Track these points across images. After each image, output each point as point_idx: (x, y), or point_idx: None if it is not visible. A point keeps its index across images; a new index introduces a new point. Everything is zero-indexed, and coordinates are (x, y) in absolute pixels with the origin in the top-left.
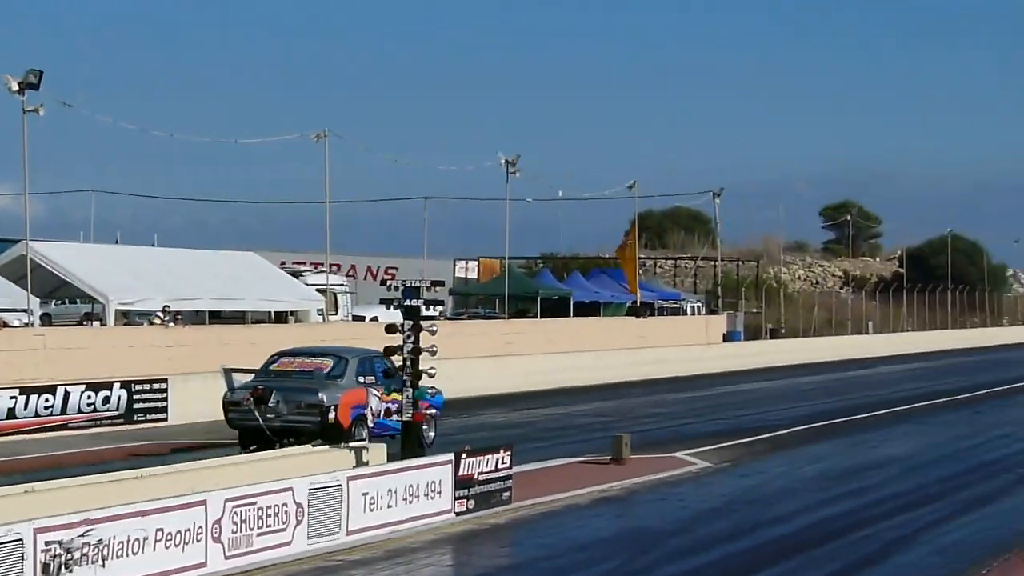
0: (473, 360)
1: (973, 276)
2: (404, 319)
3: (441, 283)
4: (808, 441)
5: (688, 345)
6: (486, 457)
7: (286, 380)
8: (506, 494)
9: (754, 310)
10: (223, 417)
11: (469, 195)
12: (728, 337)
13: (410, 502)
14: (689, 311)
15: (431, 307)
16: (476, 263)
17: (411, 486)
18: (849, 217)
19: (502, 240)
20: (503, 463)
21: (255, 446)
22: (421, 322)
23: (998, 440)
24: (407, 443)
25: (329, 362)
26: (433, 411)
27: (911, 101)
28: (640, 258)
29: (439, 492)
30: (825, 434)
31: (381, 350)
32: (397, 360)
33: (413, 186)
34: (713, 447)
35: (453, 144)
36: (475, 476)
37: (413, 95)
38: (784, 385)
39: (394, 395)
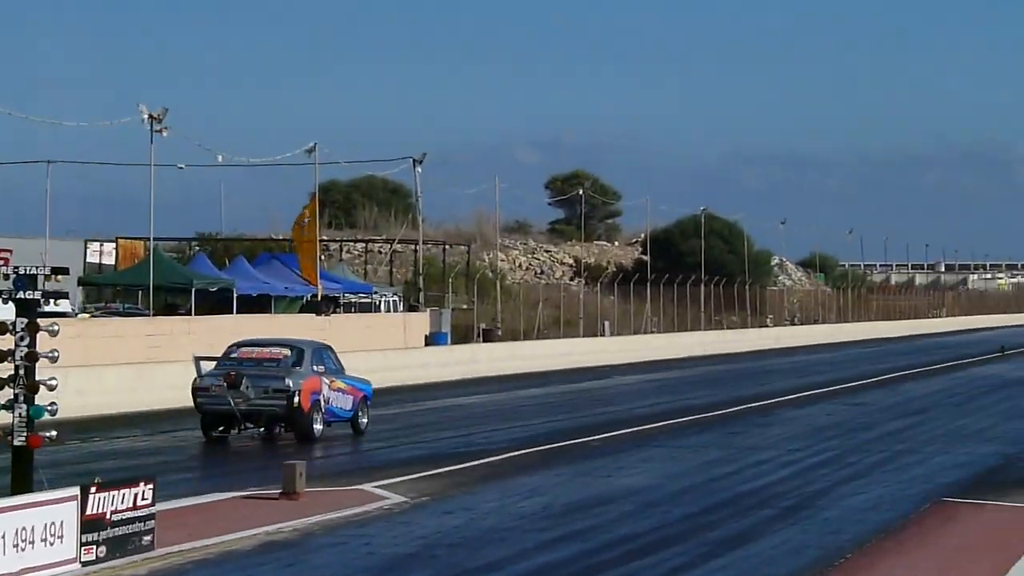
0: (107, 369)
1: (732, 265)
2: (17, 316)
3: (66, 270)
4: (526, 469)
5: (382, 350)
6: (122, 491)
7: (252, 368)
8: (147, 538)
9: (464, 306)
10: (192, 402)
11: (104, 159)
12: (432, 340)
13: (21, 550)
14: (383, 307)
15: (52, 301)
16: (113, 245)
17: (22, 529)
18: (581, 192)
19: (146, 216)
20: (144, 499)
21: (222, 427)
22: (39, 320)
23: (756, 467)
24: (17, 474)
25: (288, 352)
26: (364, 395)
27: (656, 57)
28: (322, 241)
29: (60, 537)
30: (547, 461)
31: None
32: (8, 368)
33: (32, 148)
34: (409, 477)
35: (85, 96)
36: (107, 516)
37: (35, 31)
38: (499, 400)
39: (339, 384)
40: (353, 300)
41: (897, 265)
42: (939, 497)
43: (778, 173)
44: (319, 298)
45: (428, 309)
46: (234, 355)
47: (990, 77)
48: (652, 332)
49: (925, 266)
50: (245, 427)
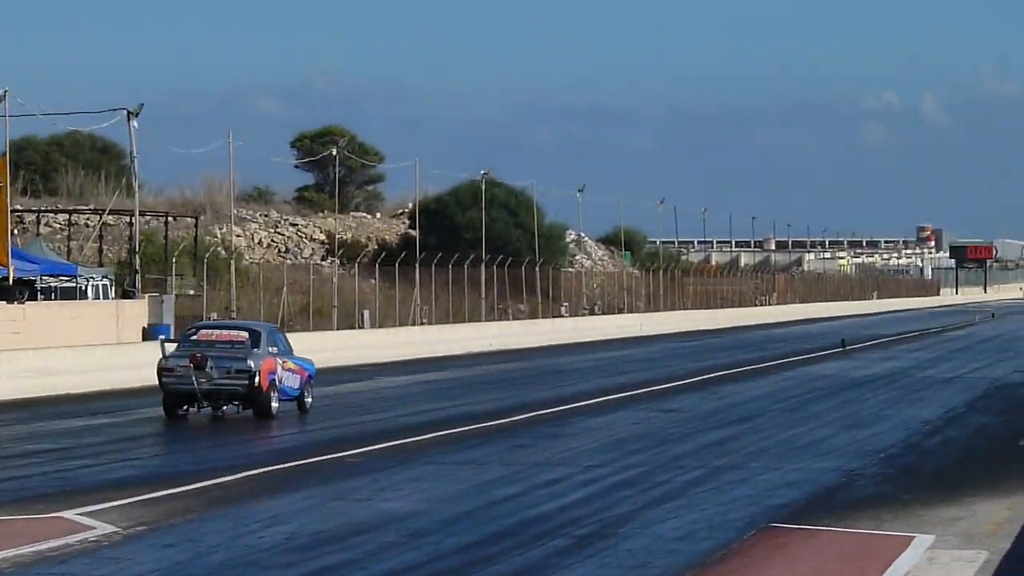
0: None
1: (519, 242)
2: None
3: None
4: (267, 492)
5: (89, 346)
6: None
7: (213, 349)
8: None
9: (191, 292)
10: (157, 381)
11: None
12: (151, 334)
13: None
14: (91, 293)
15: None
16: None
17: None
18: (335, 152)
19: None
20: None
21: (187, 407)
22: None
23: (547, 487)
24: None
25: (245, 334)
26: (309, 375)
27: None
28: (14, 211)
29: None
30: (290, 482)
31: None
32: None
33: None
34: (122, 502)
35: None
36: None
37: None
38: None
39: (290, 364)
40: (53, 284)
41: (718, 242)
42: (766, 522)
43: (575, 130)
44: (10, 282)
45: (147, 295)
46: (193, 337)
47: (827, 18)
48: (423, 323)
49: (752, 244)
50: (203, 406)
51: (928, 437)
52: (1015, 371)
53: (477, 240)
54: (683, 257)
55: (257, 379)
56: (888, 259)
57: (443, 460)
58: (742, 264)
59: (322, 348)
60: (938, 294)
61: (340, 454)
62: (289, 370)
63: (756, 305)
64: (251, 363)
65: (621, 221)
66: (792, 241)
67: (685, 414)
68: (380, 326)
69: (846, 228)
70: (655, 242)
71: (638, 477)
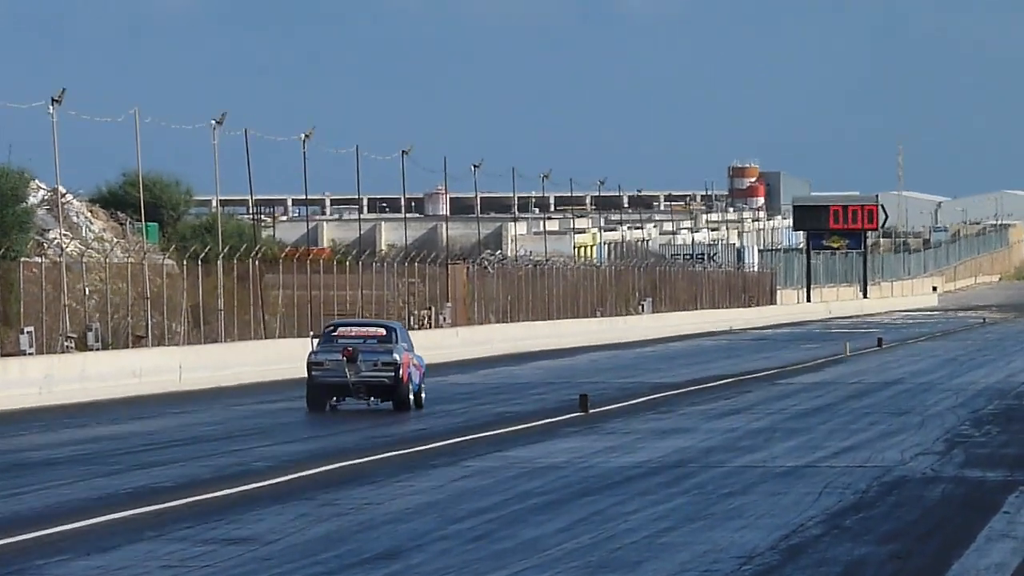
0: None
1: None
2: None
3: None
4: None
5: None
6: None
7: (361, 344)
8: None
9: None
10: (306, 375)
11: None
12: None
13: None
14: None
15: None
16: None
17: None
18: None
19: None
20: None
21: (335, 398)
22: None
23: None
24: None
25: (383, 331)
26: (423, 371)
27: None
28: None
29: None
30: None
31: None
32: None
33: None
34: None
35: None
36: None
37: None
38: None
39: (414, 360)
40: None
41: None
42: None
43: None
44: None
45: None
46: (334, 334)
47: None
48: None
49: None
50: (357, 397)
51: None
52: (919, 454)
53: None
54: (266, 233)
55: (400, 371)
56: (676, 231)
57: None
58: (384, 244)
59: None
60: (773, 301)
61: None
62: (414, 365)
63: (418, 327)
64: (396, 356)
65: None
66: (492, 200)
67: (263, 547)
68: None
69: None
70: (211, 202)
71: None
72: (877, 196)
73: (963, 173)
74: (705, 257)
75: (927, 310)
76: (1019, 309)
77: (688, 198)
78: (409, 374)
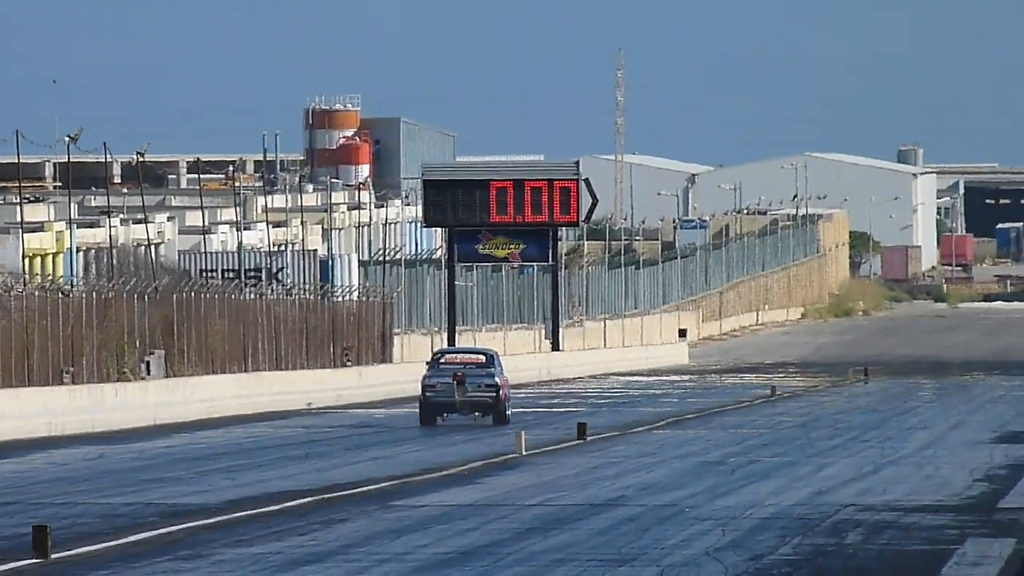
0: None
1: None
2: None
3: None
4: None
5: None
6: None
7: (465, 369)
8: None
9: None
10: (420, 395)
11: None
12: None
13: None
14: None
15: None
16: None
17: None
18: None
19: None
20: None
21: (444, 414)
22: None
23: None
24: None
25: (483, 357)
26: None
27: None
28: None
29: None
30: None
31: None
32: None
33: None
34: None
35: None
36: None
37: None
38: None
39: (506, 381)
40: None
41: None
42: None
43: None
44: None
45: None
46: (442, 361)
47: None
48: None
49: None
50: (463, 414)
51: None
52: None
53: None
54: None
55: (500, 392)
56: (210, 228)
57: None
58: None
59: None
60: (387, 358)
61: None
62: (507, 386)
63: None
64: (497, 379)
65: None
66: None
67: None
68: None
69: None
70: None
71: None
72: (578, 163)
73: (730, 130)
74: (264, 275)
75: (670, 372)
76: (836, 370)
77: (232, 166)
78: (507, 394)
